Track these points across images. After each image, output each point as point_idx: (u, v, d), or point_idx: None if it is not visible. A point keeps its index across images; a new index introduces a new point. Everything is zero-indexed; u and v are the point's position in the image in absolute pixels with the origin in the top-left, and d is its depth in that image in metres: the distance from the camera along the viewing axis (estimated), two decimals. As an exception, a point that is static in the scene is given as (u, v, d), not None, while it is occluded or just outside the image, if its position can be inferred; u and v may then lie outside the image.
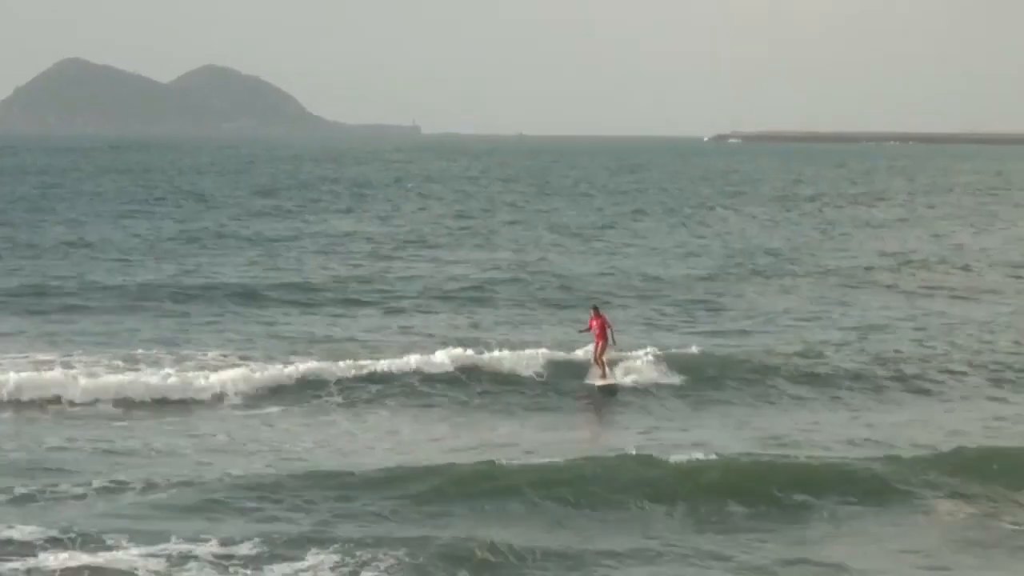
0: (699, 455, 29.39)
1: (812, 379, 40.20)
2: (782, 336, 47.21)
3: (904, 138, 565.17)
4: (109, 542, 23.33)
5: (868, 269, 66.61)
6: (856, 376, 40.45)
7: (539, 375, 39.64)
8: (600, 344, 39.19)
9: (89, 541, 23.36)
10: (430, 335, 46.13)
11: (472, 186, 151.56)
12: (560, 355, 40.87)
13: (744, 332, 48.49)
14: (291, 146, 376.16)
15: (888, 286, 61.03)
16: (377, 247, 75.78)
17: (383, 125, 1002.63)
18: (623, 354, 40.37)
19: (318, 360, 39.78)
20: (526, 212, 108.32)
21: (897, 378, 40.58)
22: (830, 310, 53.60)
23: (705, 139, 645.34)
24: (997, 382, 40.54)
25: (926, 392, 39.39)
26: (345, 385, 38.09)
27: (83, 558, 22.67)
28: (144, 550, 23.08)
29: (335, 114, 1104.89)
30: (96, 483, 27.10)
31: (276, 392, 37.30)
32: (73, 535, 23.57)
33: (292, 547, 23.48)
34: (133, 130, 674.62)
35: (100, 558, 22.71)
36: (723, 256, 73.64)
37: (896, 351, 43.82)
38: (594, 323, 39.50)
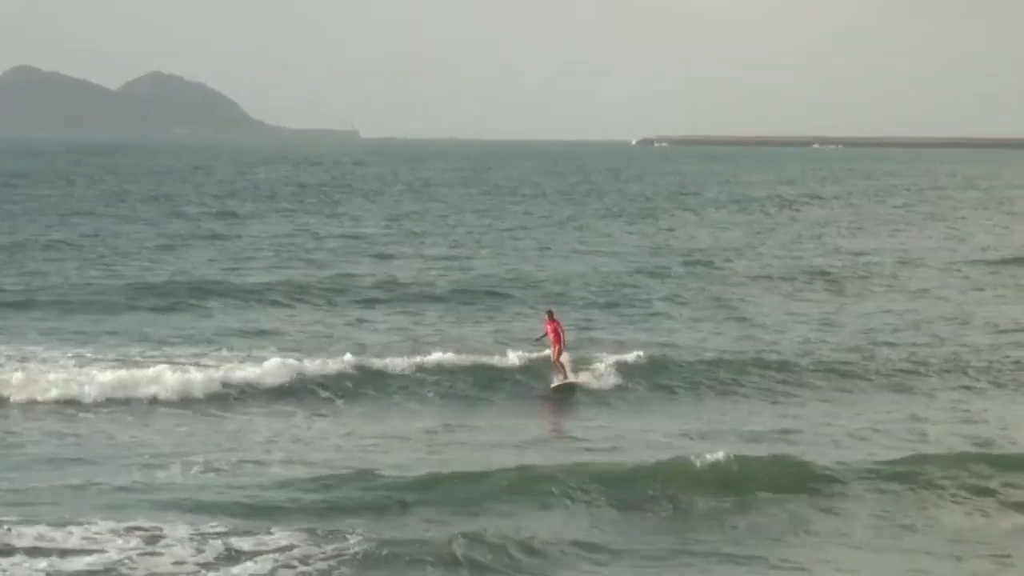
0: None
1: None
2: (752, 337, 48.89)
3: (827, 141, 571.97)
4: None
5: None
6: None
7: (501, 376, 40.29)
8: (557, 347, 39.33)
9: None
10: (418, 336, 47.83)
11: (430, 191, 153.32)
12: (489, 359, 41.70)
13: (700, 331, 50.53)
14: (244, 151, 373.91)
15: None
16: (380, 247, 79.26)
17: (323, 129, 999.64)
18: (592, 355, 41.68)
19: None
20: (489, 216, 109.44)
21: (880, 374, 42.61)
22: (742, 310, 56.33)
23: (633, 143, 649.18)
24: (909, 376, 42.59)
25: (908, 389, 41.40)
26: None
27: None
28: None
29: (276, 119, 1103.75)
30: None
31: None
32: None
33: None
34: (82, 136, 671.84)
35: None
36: (678, 257, 75.99)
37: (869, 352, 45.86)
38: (549, 328, 39.79)
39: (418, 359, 41.12)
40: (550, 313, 40.87)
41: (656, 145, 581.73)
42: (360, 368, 40.30)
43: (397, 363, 40.82)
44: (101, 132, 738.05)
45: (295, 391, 38.51)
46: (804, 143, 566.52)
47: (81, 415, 35.66)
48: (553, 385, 39.27)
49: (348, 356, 40.77)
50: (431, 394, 39.07)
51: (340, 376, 39.71)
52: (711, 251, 79.88)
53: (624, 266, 70.84)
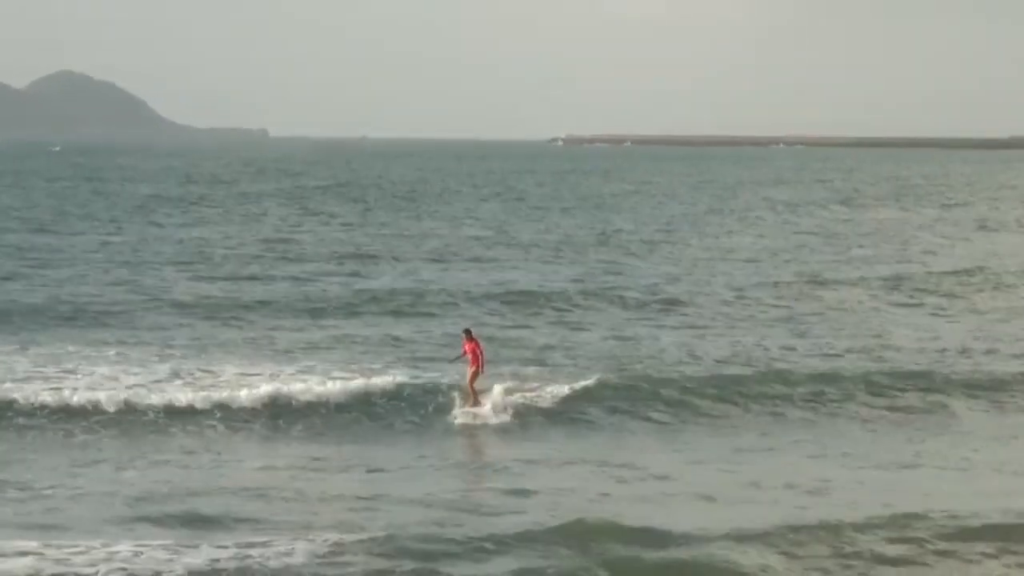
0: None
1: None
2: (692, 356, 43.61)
3: (728, 142, 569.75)
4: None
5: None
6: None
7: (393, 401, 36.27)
8: (473, 369, 36.32)
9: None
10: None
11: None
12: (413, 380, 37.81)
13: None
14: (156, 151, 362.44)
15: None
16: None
17: (232, 128, 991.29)
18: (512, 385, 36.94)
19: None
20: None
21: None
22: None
23: (560, 142, 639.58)
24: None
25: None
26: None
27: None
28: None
29: (186, 118, 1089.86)
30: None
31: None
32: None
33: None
34: None
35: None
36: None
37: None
38: (467, 348, 36.74)
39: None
40: (468, 332, 37.51)
41: (587, 146, 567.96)
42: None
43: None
44: (6, 132, 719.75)
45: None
46: (709, 143, 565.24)
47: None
48: (457, 419, 35.30)
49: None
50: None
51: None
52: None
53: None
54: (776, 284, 61.40)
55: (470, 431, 34.43)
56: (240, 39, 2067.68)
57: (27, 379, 36.72)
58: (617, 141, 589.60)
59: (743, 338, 46.88)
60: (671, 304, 54.91)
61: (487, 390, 35.65)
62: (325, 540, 23.30)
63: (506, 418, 34.89)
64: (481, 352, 36.45)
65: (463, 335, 37.34)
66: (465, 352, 36.66)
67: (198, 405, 34.46)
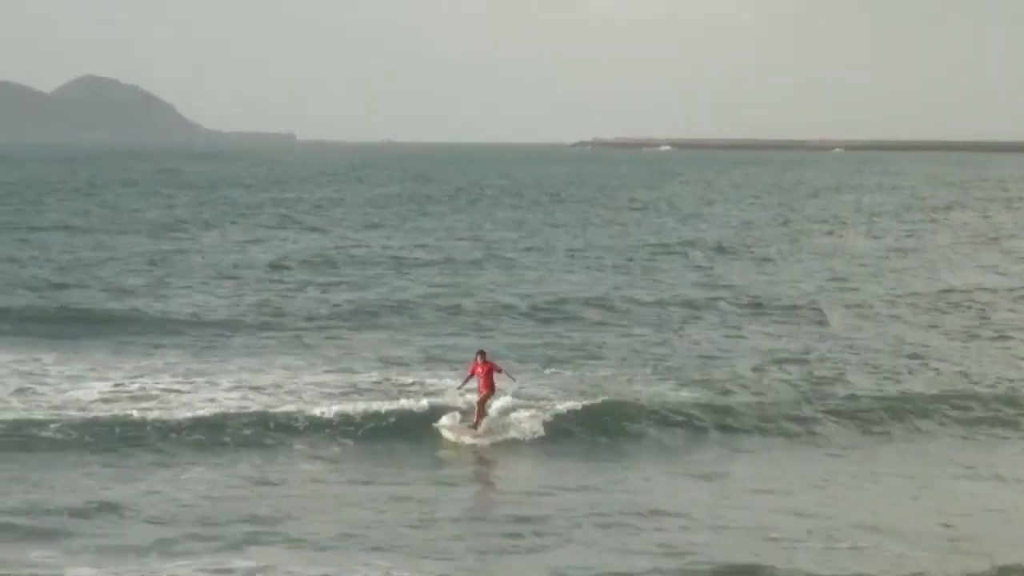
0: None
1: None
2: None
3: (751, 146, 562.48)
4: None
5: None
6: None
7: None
8: (485, 392, 33.98)
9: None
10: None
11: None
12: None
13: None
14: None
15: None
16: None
17: (259, 132, 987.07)
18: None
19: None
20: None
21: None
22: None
23: (588, 146, 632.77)
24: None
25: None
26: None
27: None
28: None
29: (212, 122, 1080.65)
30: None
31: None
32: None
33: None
34: (14, 139, 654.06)
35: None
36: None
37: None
38: (478, 369, 34.13)
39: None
40: (482, 354, 34.72)
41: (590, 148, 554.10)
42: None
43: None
44: (34, 136, 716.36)
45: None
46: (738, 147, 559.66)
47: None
48: (471, 430, 33.68)
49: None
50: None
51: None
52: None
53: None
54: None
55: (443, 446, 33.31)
56: (264, 44, 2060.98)
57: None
58: (649, 144, 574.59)
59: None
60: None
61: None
62: None
63: (485, 443, 33.37)
64: (496, 372, 34.25)
65: (476, 357, 34.69)
66: (474, 373, 34.35)
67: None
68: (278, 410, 34.92)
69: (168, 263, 70.02)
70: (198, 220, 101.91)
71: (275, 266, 69.53)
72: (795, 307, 56.52)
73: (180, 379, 39.39)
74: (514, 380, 35.51)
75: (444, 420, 34.19)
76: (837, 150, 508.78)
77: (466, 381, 34.77)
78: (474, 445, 33.34)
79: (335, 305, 55.47)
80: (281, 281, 63.49)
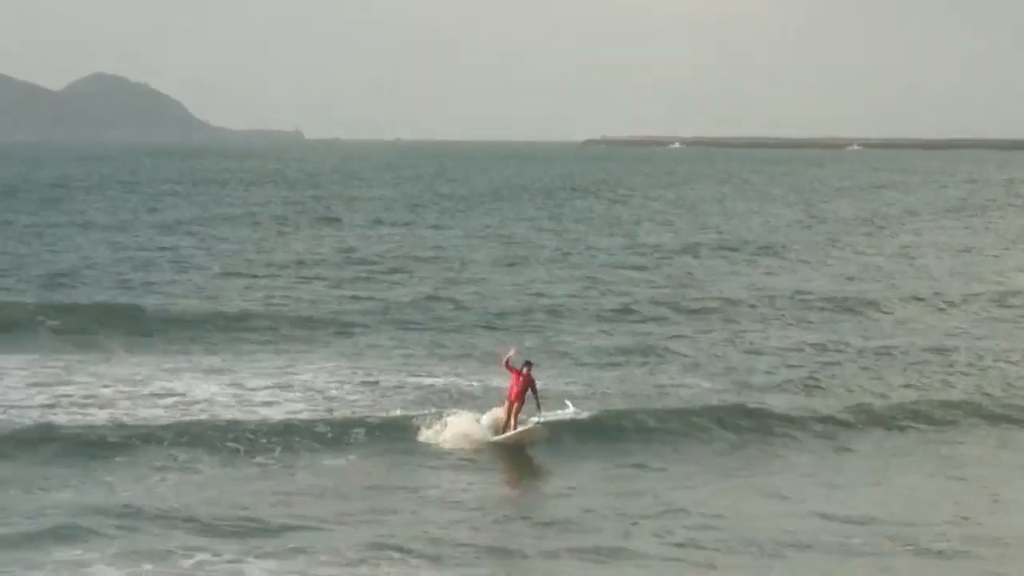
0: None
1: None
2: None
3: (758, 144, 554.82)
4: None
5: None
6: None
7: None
8: (516, 404, 32.72)
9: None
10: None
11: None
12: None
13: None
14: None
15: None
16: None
17: (267, 130, 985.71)
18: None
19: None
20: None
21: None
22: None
23: (604, 145, 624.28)
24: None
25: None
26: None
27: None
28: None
29: (220, 120, 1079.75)
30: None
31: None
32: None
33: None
34: (24, 137, 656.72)
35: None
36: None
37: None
38: (518, 378, 32.70)
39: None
40: (529, 364, 33.03)
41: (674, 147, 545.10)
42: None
43: None
44: (43, 133, 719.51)
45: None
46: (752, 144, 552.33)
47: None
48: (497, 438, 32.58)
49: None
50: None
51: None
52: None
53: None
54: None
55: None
56: (271, 41, 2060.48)
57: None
58: (660, 143, 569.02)
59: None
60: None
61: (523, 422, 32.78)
62: None
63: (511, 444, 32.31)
64: (527, 386, 32.74)
65: (524, 367, 33.07)
66: (515, 381, 32.97)
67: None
68: (303, 415, 34.55)
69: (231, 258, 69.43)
70: (305, 220, 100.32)
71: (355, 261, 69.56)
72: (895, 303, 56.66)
73: (200, 377, 39.39)
74: (539, 410, 33.33)
75: (476, 422, 33.24)
76: (854, 147, 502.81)
77: (505, 365, 33.34)
78: (501, 447, 32.47)
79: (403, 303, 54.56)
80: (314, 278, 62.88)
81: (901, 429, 35.29)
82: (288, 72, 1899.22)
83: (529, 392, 32.96)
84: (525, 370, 32.94)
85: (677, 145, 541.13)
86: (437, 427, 33.28)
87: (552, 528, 26.02)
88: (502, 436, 32.77)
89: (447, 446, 32.58)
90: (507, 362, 33.26)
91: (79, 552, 23.70)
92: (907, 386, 40.21)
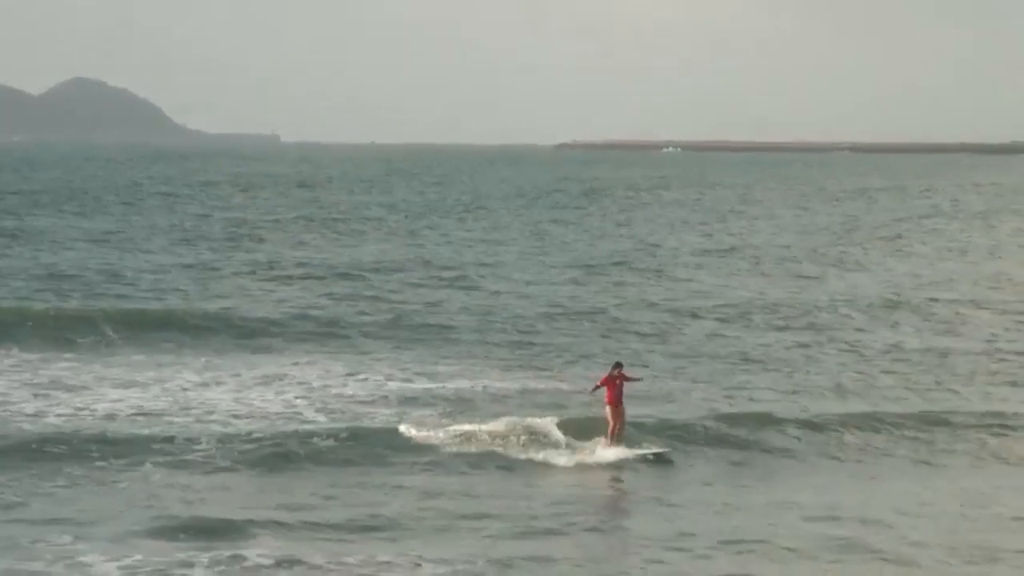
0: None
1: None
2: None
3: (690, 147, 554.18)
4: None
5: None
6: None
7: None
8: (613, 404, 32.52)
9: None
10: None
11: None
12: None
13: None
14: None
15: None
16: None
17: (243, 134, 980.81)
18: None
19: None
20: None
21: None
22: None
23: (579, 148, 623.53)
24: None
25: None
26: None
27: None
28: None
29: (196, 123, 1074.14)
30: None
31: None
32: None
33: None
34: (2, 140, 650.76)
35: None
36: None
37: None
38: (615, 382, 32.67)
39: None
40: (618, 365, 33.27)
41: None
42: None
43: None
44: (25, 136, 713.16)
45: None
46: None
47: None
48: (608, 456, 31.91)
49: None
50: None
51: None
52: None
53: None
54: None
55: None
56: (247, 44, 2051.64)
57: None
58: (649, 147, 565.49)
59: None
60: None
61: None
62: None
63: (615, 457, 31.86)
64: (620, 386, 32.80)
65: (613, 369, 33.29)
66: (603, 385, 33.01)
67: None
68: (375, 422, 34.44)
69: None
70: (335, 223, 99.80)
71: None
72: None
73: (213, 379, 39.49)
74: (640, 379, 34.63)
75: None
76: (844, 152, 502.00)
77: (596, 389, 33.33)
78: (610, 460, 31.94)
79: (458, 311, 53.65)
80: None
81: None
82: (264, 75, 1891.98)
83: (632, 383, 33.48)
84: (615, 371, 33.16)
85: (669, 150, 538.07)
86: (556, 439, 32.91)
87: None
88: (614, 446, 32.61)
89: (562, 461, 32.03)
90: (605, 380, 33.23)
91: (69, 540, 24.41)
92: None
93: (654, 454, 32.44)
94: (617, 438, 32.64)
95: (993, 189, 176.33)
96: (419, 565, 23.63)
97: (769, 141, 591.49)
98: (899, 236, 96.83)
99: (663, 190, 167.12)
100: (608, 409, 32.69)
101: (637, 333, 50.16)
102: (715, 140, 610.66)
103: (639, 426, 33.91)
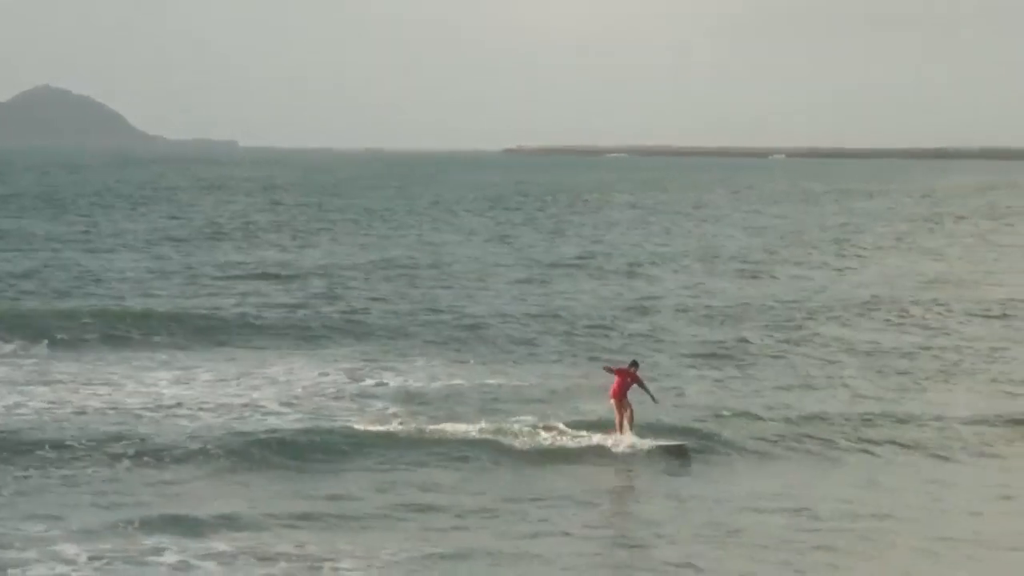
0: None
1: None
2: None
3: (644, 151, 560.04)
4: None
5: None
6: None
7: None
8: (616, 399, 32.62)
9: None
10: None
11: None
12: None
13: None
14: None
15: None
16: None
17: (202, 139, 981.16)
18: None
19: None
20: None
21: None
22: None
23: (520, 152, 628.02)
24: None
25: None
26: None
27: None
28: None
29: (156, 129, 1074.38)
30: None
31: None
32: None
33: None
34: None
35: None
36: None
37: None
38: (624, 379, 32.69)
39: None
40: (634, 363, 33.34)
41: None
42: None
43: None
44: None
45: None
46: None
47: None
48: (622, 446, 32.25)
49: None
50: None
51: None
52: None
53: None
54: None
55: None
56: (204, 51, 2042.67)
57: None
58: (594, 152, 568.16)
59: None
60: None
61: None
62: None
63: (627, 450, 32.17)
64: (630, 383, 32.74)
65: (630, 366, 33.35)
66: (612, 371, 33.33)
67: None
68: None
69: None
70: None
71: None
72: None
73: (221, 380, 40.05)
74: (654, 401, 33.63)
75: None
76: (779, 156, 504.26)
77: (607, 370, 33.62)
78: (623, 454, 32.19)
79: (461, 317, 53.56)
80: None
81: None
82: (221, 82, 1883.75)
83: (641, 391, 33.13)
84: (632, 368, 33.23)
85: (618, 155, 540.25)
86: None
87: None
88: (625, 437, 32.72)
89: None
90: (613, 370, 33.57)
91: (41, 529, 25.11)
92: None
93: (673, 446, 32.52)
94: (625, 427, 32.73)
95: (931, 193, 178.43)
96: (376, 555, 24.42)
97: (710, 146, 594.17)
98: (846, 239, 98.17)
99: (621, 192, 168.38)
100: (612, 402, 32.84)
101: (590, 329, 51.19)
102: (659, 144, 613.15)
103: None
